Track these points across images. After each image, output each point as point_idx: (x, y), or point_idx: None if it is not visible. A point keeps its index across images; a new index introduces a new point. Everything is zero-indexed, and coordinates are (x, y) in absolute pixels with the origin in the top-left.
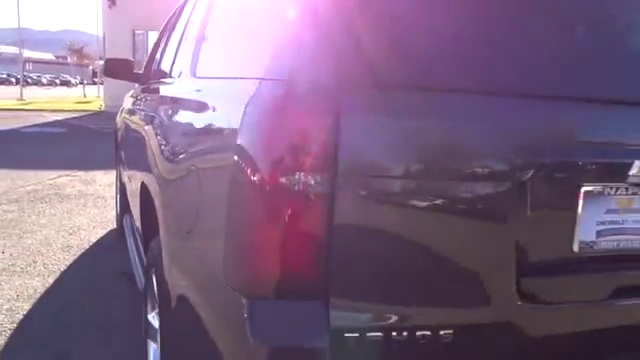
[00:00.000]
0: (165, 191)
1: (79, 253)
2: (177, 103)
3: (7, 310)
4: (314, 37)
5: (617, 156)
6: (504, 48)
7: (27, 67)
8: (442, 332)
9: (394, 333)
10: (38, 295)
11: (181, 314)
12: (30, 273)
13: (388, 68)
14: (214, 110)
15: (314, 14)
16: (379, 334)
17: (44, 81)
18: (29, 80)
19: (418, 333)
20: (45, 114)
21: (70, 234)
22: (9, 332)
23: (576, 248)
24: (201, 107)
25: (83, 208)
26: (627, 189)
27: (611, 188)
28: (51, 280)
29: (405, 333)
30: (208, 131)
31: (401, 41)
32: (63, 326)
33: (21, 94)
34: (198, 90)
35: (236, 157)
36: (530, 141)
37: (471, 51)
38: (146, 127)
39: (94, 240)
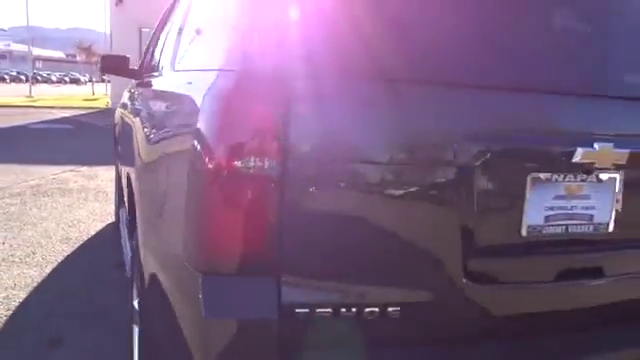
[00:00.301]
0: (141, 179)
1: (77, 245)
2: (157, 96)
3: (3, 298)
4: (265, 30)
5: (561, 144)
6: (451, 38)
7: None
8: (390, 309)
9: (343, 309)
10: (35, 284)
11: (152, 295)
12: (28, 263)
13: (336, 58)
14: (183, 100)
15: (265, 8)
16: (328, 310)
17: (54, 79)
18: (39, 78)
19: (366, 310)
20: (53, 111)
21: (70, 227)
22: (4, 319)
23: (524, 232)
24: (174, 99)
25: (84, 202)
26: (575, 176)
27: (559, 175)
28: (48, 270)
29: (354, 309)
30: (176, 120)
31: (349, 32)
32: (57, 313)
33: (30, 91)
34: (174, 83)
35: (194, 142)
36: (477, 129)
37: (419, 41)
38: (134, 120)
39: (93, 233)
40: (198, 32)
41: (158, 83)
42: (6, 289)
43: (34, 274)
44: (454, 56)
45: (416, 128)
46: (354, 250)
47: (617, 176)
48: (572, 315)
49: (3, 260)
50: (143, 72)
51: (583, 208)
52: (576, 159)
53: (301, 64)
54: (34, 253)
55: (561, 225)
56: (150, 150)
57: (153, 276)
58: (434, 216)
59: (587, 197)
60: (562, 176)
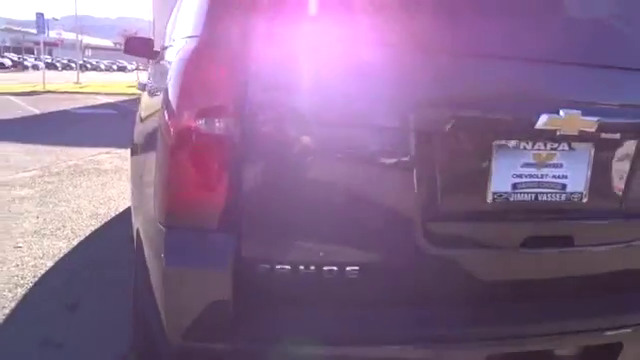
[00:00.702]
0: (134, 146)
1: (105, 220)
2: (154, 68)
3: (32, 266)
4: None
5: (526, 110)
6: (414, 3)
7: (86, 53)
8: (348, 268)
9: (302, 267)
10: (62, 255)
11: (138, 250)
12: (58, 236)
13: (295, 22)
14: (164, 67)
15: None
16: (287, 267)
17: (102, 67)
18: (88, 66)
19: (325, 268)
20: (98, 97)
21: (101, 204)
22: (30, 285)
23: (489, 199)
24: (160, 67)
25: (117, 181)
26: (545, 144)
27: (527, 142)
28: (75, 242)
29: (312, 267)
30: (156, 85)
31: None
32: (79, 282)
33: (78, 78)
34: (165, 55)
35: (162, 102)
36: (437, 94)
37: (379, 3)
38: (141, 94)
39: (121, 210)
40: (187, 7)
41: (158, 58)
42: (35, 258)
43: (62, 246)
44: (413, 19)
45: (375, 92)
46: (312, 209)
47: (590, 145)
48: (539, 283)
49: (35, 232)
50: (159, 52)
51: (555, 177)
52: (541, 125)
53: (261, 29)
54: (64, 227)
55: (530, 193)
56: (140, 117)
57: (137, 232)
58: (392, 179)
59: (559, 166)
60: (530, 144)
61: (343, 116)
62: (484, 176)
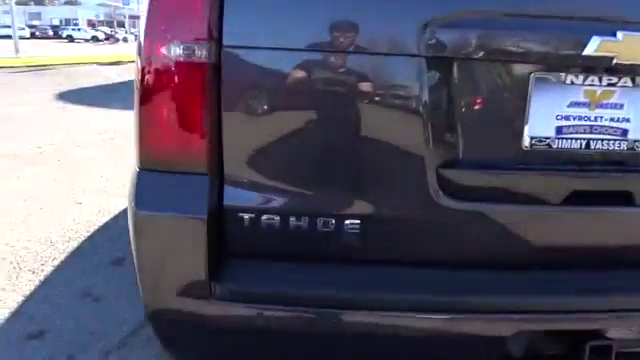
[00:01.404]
0: None
1: None
2: None
3: (86, 222)
4: None
5: (571, 32)
6: None
7: None
8: (347, 222)
9: (292, 218)
10: (117, 212)
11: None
12: (118, 195)
13: None
14: None
15: None
16: (276, 218)
17: None
18: None
19: (320, 220)
20: None
21: None
22: (82, 239)
23: (526, 144)
24: None
25: None
26: (600, 78)
27: (576, 76)
28: None
29: (305, 219)
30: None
31: None
32: (128, 238)
33: None
34: None
35: (139, 37)
36: (459, 7)
37: None
38: None
39: None
40: None
41: None
42: (91, 214)
43: (118, 203)
44: None
45: (377, 8)
46: (304, 150)
47: None
48: (583, 250)
49: (97, 190)
50: None
51: (613, 120)
52: (591, 52)
53: None
54: (124, 186)
55: (579, 139)
56: None
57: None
58: (399, 115)
59: (618, 106)
60: (580, 77)
61: (337, 40)
62: (519, 116)
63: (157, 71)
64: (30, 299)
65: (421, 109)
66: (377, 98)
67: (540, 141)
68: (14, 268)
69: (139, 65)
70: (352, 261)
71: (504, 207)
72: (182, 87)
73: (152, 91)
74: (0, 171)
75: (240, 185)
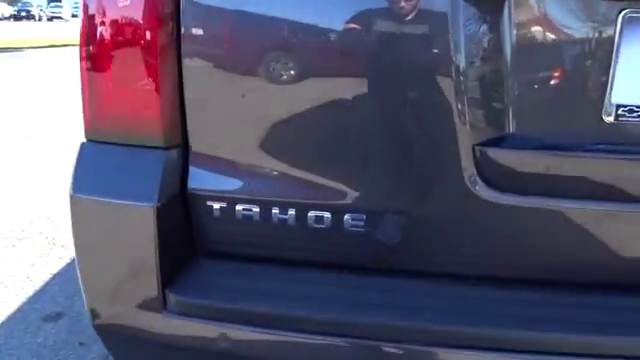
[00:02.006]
0: None
1: None
2: None
3: None
4: None
5: None
6: None
7: None
8: (348, 217)
9: (275, 210)
10: None
11: None
12: None
13: None
14: None
15: None
16: (257, 207)
17: None
18: None
19: (313, 213)
20: None
21: None
22: None
23: (610, 116)
24: None
25: None
26: None
27: None
28: None
29: (295, 211)
30: None
31: None
32: None
33: None
34: None
35: None
36: None
37: None
38: None
39: None
40: None
41: None
42: None
43: None
44: None
45: None
46: (293, 121)
47: None
48: None
49: None
50: None
51: None
52: None
53: None
54: None
55: None
56: None
57: None
58: (417, 67)
59: None
60: None
61: None
62: (600, 75)
63: (101, 11)
64: (56, 278)
65: (452, 59)
66: (386, 42)
67: (631, 111)
68: (49, 244)
69: (81, 7)
70: (355, 269)
71: (573, 204)
72: (130, 31)
73: (95, 38)
74: None
75: (211, 164)
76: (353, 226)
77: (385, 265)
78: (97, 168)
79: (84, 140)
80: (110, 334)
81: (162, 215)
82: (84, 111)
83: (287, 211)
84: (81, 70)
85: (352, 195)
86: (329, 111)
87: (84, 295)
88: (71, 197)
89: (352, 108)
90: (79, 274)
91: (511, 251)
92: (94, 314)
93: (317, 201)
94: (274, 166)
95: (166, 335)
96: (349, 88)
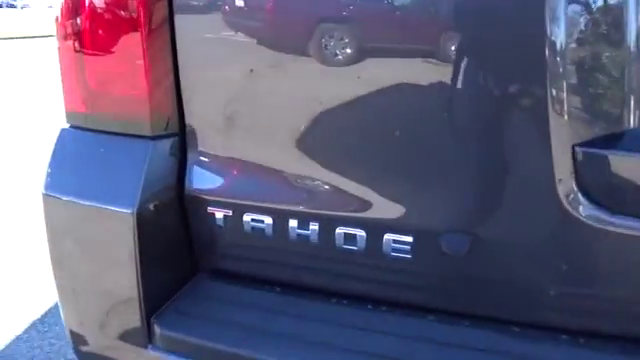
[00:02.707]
0: None
1: None
2: None
3: None
4: None
5: None
6: None
7: None
8: (390, 238)
9: (293, 221)
10: None
11: None
12: None
13: None
14: None
15: None
16: (266, 220)
17: None
18: None
19: (339, 231)
20: None
21: None
22: None
23: None
24: None
25: None
26: None
27: None
28: None
29: (319, 225)
30: None
31: None
32: None
33: None
34: None
35: None
36: None
37: None
38: None
39: None
40: None
41: None
42: None
43: None
44: None
45: None
46: (314, 114)
47: None
48: None
49: None
50: None
51: None
52: None
53: None
54: None
55: None
56: None
57: None
58: (495, 44)
59: None
60: None
61: None
62: None
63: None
64: None
65: (547, 34)
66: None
67: None
68: None
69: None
70: (394, 306)
71: None
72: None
73: (77, 8)
74: None
75: (216, 161)
76: (395, 250)
77: (441, 306)
78: (75, 160)
79: (64, 125)
80: None
81: (145, 223)
82: (64, 90)
83: (311, 225)
84: (60, 44)
85: (397, 210)
86: (379, 100)
87: (61, 311)
88: (43, 195)
89: (409, 98)
90: (57, 291)
91: (623, 300)
92: (72, 336)
93: (349, 214)
94: (299, 168)
95: None
96: (401, 72)
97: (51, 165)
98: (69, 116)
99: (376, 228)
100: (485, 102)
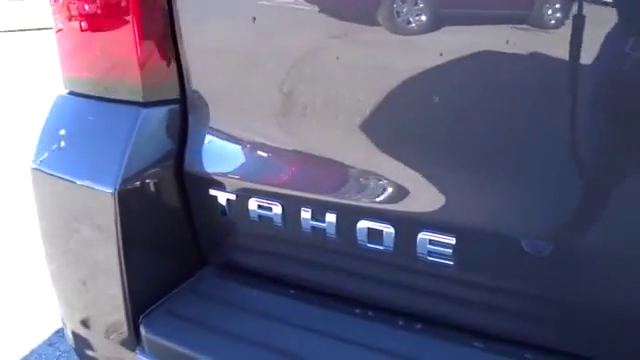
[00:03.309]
0: None
1: None
2: None
3: None
4: None
5: None
6: None
7: None
8: (425, 236)
9: (305, 209)
10: None
11: None
12: None
13: None
14: None
15: None
16: (274, 206)
17: None
18: None
19: (361, 224)
20: None
21: None
22: None
23: None
24: None
25: None
26: None
27: None
28: None
29: (328, 216)
30: None
31: None
32: None
33: None
34: None
35: None
36: None
37: None
38: None
39: None
40: None
41: None
42: None
43: None
44: None
45: None
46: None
47: None
48: None
49: None
50: None
51: None
52: None
53: None
54: None
55: None
56: None
57: None
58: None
59: None
60: None
61: None
62: None
63: None
64: None
65: None
66: None
67: None
68: None
69: None
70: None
71: None
72: None
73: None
74: None
75: (220, 135)
76: (435, 251)
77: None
78: (64, 130)
79: (62, 92)
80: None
81: (130, 205)
82: (60, 53)
83: (319, 214)
84: (55, 7)
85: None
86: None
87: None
88: (31, 169)
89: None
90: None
91: None
92: (65, 327)
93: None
94: (333, 148)
95: None
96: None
97: (41, 135)
98: (65, 81)
99: (443, 226)
100: (596, 83)
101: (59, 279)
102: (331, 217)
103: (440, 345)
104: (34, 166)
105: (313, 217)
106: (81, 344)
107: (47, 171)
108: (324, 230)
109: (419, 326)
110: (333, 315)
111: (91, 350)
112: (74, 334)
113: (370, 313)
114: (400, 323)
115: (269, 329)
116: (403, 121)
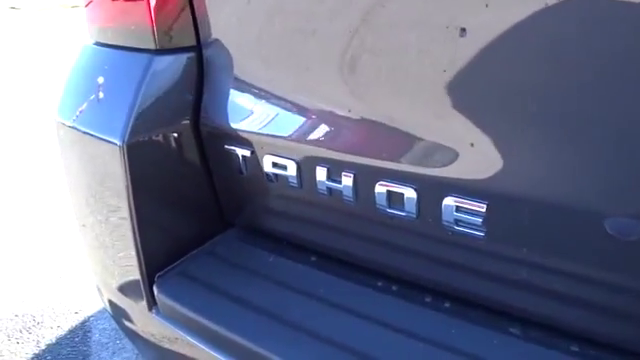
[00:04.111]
0: None
1: None
2: None
3: None
4: None
5: None
6: None
7: None
8: (457, 202)
9: (321, 168)
10: None
11: None
12: None
13: None
14: None
15: None
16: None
17: None
18: None
19: (385, 185)
20: None
21: None
22: None
23: None
24: None
25: None
26: None
27: None
28: None
29: (347, 174)
30: None
31: None
32: None
33: None
34: None
35: None
36: None
37: None
38: None
39: None
40: None
41: None
42: None
43: None
44: None
45: None
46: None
47: None
48: None
49: None
50: None
51: None
52: None
53: None
54: None
55: None
56: None
57: None
58: None
59: None
60: None
61: None
62: None
63: None
64: None
65: None
66: None
67: None
68: None
69: None
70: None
71: None
72: None
73: None
74: None
75: (239, 86)
76: (468, 220)
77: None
78: (84, 80)
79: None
80: (117, 316)
81: (141, 159)
82: (85, 3)
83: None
84: None
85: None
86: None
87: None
88: (54, 121)
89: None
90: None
91: None
92: (95, 281)
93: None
94: (354, 102)
95: (151, 343)
96: None
97: (65, 86)
98: (91, 31)
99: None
100: None
101: (82, 230)
102: (351, 179)
103: (473, 328)
104: (57, 117)
105: (335, 177)
106: (110, 305)
107: (67, 123)
108: (347, 192)
109: (447, 305)
110: (356, 288)
111: (121, 314)
112: (99, 291)
113: (394, 287)
114: (427, 300)
115: (284, 298)
116: (435, 71)
